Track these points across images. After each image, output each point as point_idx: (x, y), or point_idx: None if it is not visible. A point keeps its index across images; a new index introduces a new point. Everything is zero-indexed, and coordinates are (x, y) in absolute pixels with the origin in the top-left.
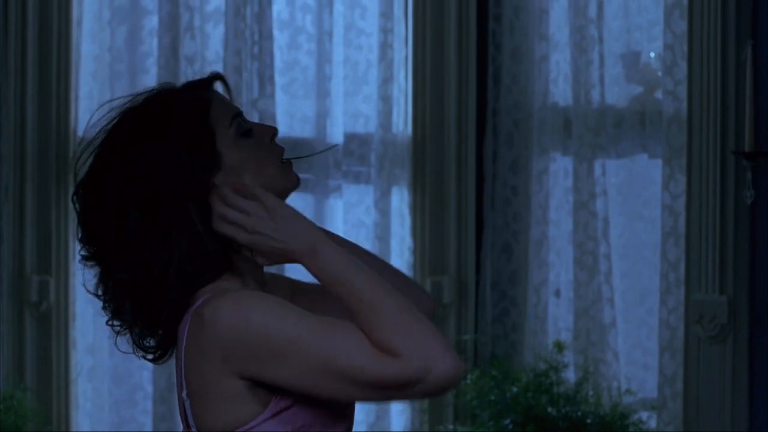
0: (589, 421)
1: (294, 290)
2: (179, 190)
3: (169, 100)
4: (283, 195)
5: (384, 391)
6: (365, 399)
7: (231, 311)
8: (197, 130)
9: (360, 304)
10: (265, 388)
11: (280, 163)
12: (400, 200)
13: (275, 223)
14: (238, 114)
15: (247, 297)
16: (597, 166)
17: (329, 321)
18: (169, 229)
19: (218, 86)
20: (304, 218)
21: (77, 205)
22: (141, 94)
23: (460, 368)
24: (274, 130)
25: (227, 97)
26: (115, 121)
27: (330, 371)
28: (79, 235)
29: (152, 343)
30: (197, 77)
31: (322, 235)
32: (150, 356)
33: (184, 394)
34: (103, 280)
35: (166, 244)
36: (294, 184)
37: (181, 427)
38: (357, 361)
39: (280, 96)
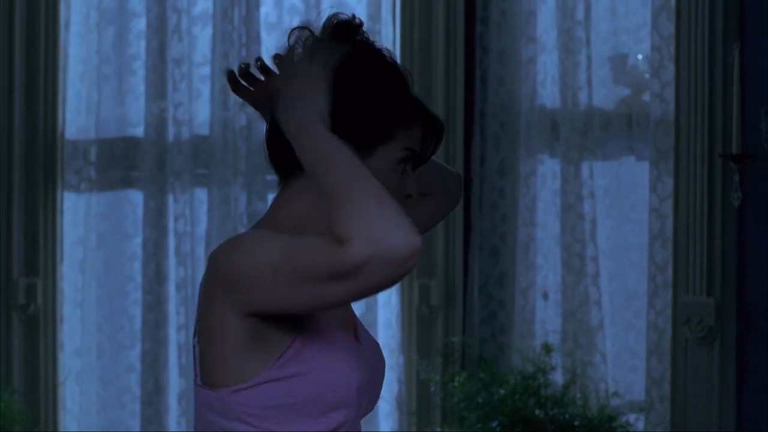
0: (576, 423)
1: None
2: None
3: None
4: None
5: (341, 280)
6: (334, 295)
7: (226, 253)
8: (406, 112)
9: (328, 189)
10: (271, 346)
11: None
12: None
13: (286, 100)
14: (414, 156)
15: (242, 239)
16: (584, 168)
17: (301, 238)
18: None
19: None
20: (312, 97)
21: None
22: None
23: (413, 244)
24: (415, 194)
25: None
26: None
27: (296, 279)
28: None
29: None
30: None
31: (314, 118)
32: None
33: (194, 340)
34: None
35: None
36: None
37: (173, 427)
38: (311, 260)
39: None
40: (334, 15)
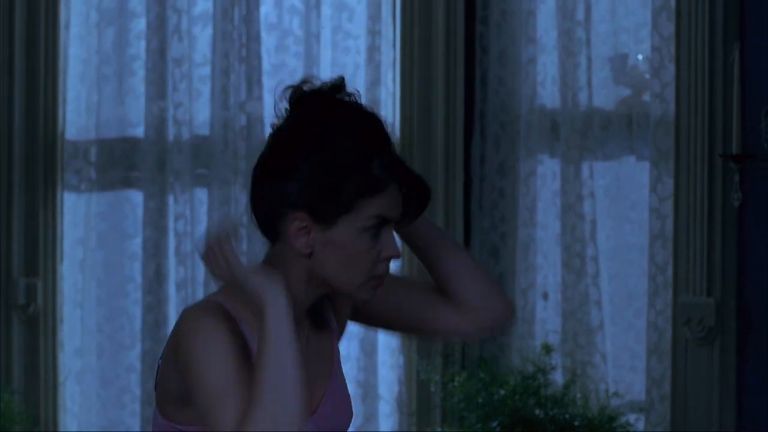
0: (576, 423)
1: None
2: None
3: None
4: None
5: None
6: None
7: (184, 327)
8: (367, 183)
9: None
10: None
11: (368, 281)
12: None
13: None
14: (390, 221)
15: (200, 322)
16: (584, 168)
17: (236, 384)
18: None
19: None
20: (268, 281)
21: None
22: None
23: None
24: (396, 256)
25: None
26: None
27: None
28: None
29: None
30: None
31: (272, 298)
32: None
33: (160, 361)
34: None
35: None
36: (363, 301)
37: None
38: (217, 412)
39: (267, 98)
40: (304, 82)
